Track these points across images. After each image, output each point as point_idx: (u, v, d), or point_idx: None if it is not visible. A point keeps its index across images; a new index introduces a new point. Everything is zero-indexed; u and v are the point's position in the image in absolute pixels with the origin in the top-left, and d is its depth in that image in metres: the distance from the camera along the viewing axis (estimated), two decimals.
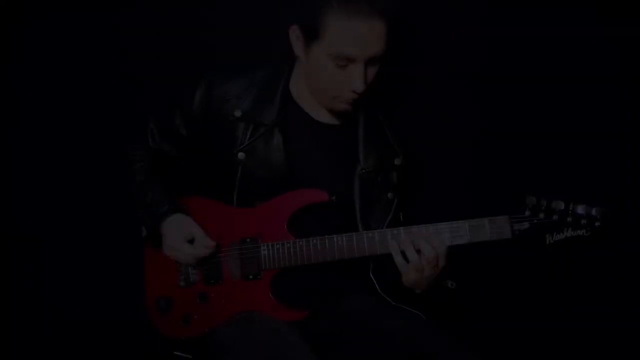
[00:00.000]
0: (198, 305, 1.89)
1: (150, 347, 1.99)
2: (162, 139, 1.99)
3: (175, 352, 1.93)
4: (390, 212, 1.95)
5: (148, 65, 2.27)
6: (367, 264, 1.91)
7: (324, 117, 1.95)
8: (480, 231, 1.76)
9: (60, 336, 2.32)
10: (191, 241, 1.88)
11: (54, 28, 2.24)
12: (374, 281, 1.91)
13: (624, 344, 2.29)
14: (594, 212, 1.73)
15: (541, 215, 1.74)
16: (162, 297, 1.92)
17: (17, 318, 2.30)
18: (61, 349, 2.31)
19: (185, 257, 1.87)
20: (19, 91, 2.27)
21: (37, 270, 2.32)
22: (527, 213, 1.75)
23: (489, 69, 2.27)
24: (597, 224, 1.73)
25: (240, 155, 1.89)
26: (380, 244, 1.81)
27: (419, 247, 1.76)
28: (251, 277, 1.87)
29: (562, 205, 1.74)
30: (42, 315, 2.32)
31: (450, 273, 1.87)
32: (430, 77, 2.29)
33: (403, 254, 1.78)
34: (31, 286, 2.32)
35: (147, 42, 2.26)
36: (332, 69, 1.76)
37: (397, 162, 1.97)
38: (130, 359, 2.25)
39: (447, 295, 1.89)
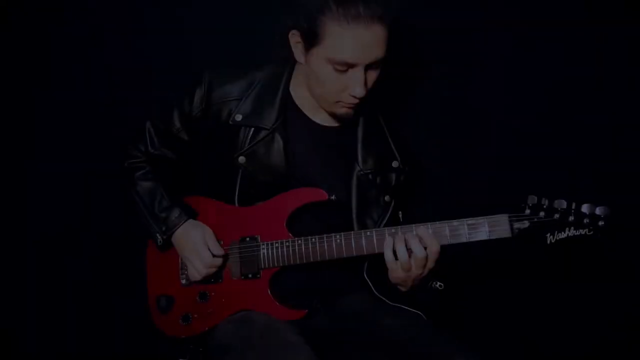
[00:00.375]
0: (198, 304, 1.90)
1: (153, 348, 2.01)
2: (162, 144, 1.99)
3: None
4: (386, 215, 1.93)
5: (147, 65, 2.28)
6: (364, 263, 1.90)
7: (324, 119, 1.94)
8: (478, 230, 1.73)
9: (61, 336, 2.35)
10: None
11: (52, 28, 2.27)
12: (369, 282, 1.90)
13: (625, 345, 2.25)
14: (597, 211, 1.68)
15: (542, 214, 1.70)
16: (163, 296, 1.94)
17: (17, 317, 2.34)
18: (62, 348, 2.34)
19: (199, 264, 1.86)
20: (17, 91, 2.30)
21: (38, 270, 2.35)
22: (527, 212, 1.71)
23: (489, 68, 2.25)
24: (600, 223, 1.68)
25: (241, 159, 1.89)
26: (378, 243, 1.79)
27: (410, 246, 1.74)
28: (250, 276, 1.87)
29: (564, 204, 1.69)
30: (43, 315, 2.35)
31: (449, 273, 1.84)
32: (430, 77, 2.28)
33: (395, 251, 1.76)
34: (32, 286, 2.34)
35: (146, 42, 2.28)
36: (332, 73, 1.74)
37: (395, 164, 1.96)
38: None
39: (435, 296, 1.87)
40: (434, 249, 1.74)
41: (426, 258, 1.74)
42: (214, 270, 1.87)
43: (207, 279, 1.89)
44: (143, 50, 2.27)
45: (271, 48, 1.92)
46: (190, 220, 1.92)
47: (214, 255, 1.86)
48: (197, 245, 1.87)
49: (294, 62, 1.90)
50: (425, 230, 1.75)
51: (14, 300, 2.33)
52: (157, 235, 1.92)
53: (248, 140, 1.89)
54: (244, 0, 2.24)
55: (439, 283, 1.87)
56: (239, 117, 1.89)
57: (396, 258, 1.75)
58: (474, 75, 2.25)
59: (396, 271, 1.77)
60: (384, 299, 1.89)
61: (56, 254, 2.35)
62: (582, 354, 2.28)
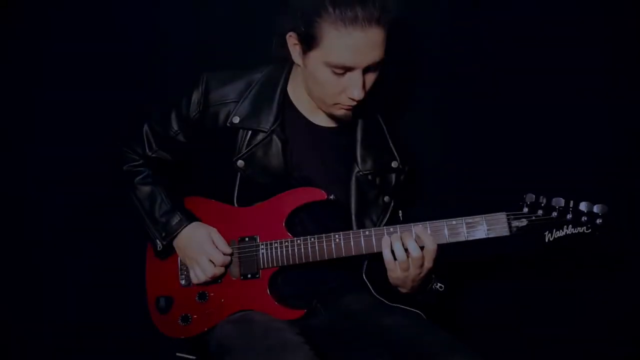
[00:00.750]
0: (197, 305, 1.90)
1: (154, 347, 2.01)
2: (159, 146, 1.99)
3: (178, 354, 1.94)
4: (386, 215, 1.92)
5: (145, 66, 2.29)
6: (363, 264, 1.90)
7: (322, 120, 1.93)
8: (477, 228, 1.72)
9: (61, 336, 2.35)
10: None
11: (53, 28, 2.26)
12: (367, 283, 1.89)
13: (625, 345, 2.24)
14: (595, 208, 1.67)
15: (540, 212, 1.69)
16: (162, 297, 1.94)
17: (17, 317, 2.33)
18: (62, 348, 2.34)
19: (207, 264, 1.85)
20: (17, 92, 2.30)
21: (38, 270, 2.34)
22: (525, 210, 1.71)
23: (488, 68, 2.25)
24: (599, 220, 1.66)
25: (240, 163, 1.88)
26: (377, 242, 1.78)
27: (407, 246, 1.73)
28: (249, 276, 1.87)
29: (562, 202, 1.68)
30: (43, 315, 2.35)
31: (445, 272, 1.84)
32: (428, 78, 2.27)
33: (393, 250, 1.75)
34: (33, 287, 2.34)
35: (144, 43, 2.28)
36: (330, 76, 1.73)
37: (394, 164, 1.95)
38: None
39: (436, 297, 1.86)
40: (430, 247, 1.73)
41: (423, 257, 1.73)
42: (223, 271, 1.87)
43: (212, 280, 1.88)
44: (143, 50, 2.28)
45: (269, 49, 1.91)
46: (193, 223, 1.91)
47: (224, 254, 1.86)
48: (204, 246, 1.86)
49: (291, 63, 1.90)
50: (422, 229, 1.75)
51: (14, 300, 2.33)
52: (157, 241, 1.92)
53: (246, 143, 1.88)
54: (243, 2, 2.24)
55: (439, 284, 1.86)
56: (236, 120, 1.88)
57: (395, 258, 1.75)
58: (473, 75, 2.25)
59: (395, 271, 1.76)
60: (383, 300, 1.89)
61: (56, 254, 2.35)
62: (582, 353, 2.27)
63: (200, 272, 1.87)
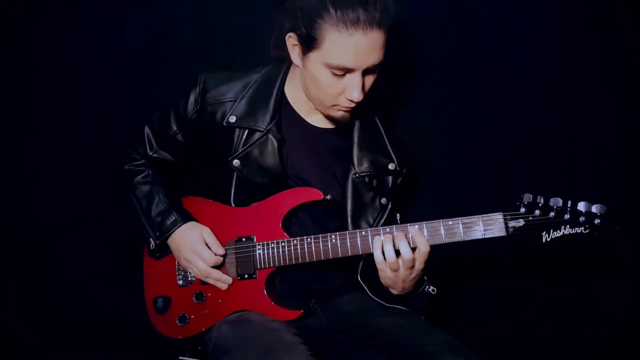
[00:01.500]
0: (195, 305, 1.91)
1: (154, 348, 2.01)
2: (160, 146, 1.99)
3: (180, 358, 1.94)
4: (383, 217, 1.91)
5: (144, 67, 2.29)
6: (358, 266, 1.89)
7: (319, 121, 1.93)
8: (473, 229, 1.71)
9: (61, 336, 2.35)
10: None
11: (53, 28, 2.26)
12: (363, 284, 1.89)
13: (625, 345, 2.23)
14: (594, 208, 1.65)
15: (537, 212, 1.67)
16: (160, 297, 1.95)
17: (17, 317, 2.34)
18: (62, 348, 2.34)
19: (201, 264, 1.86)
20: (17, 93, 2.30)
21: (38, 270, 2.35)
22: (522, 210, 1.69)
23: (486, 68, 2.24)
24: (597, 221, 1.65)
25: (235, 162, 1.88)
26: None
27: (398, 246, 1.72)
28: (246, 276, 1.87)
29: (559, 202, 1.67)
30: (43, 315, 2.35)
31: (438, 275, 1.83)
32: (426, 79, 2.27)
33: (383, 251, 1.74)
34: (33, 287, 2.34)
35: (143, 44, 2.28)
36: (329, 77, 1.73)
37: (391, 166, 1.94)
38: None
39: (429, 300, 1.85)
40: (423, 249, 1.72)
41: (413, 259, 1.72)
42: (206, 269, 1.86)
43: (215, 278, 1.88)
44: (143, 52, 2.28)
45: (268, 50, 1.90)
46: (187, 223, 1.92)
47: (215, 254, 1.86)
48: (196, 246, 1.87)
49: (289, 63, 1.89)
50: (416, 231, 1.73)
51: (14, 300, 2.33)
52: (151, 239, 1.93)
53: (242, 143, 1.88)
54: (242, 2, 2.24)
55: (431, 287, 1.85)
56: (232, 119, 1.88)
57: (385, 258, 1.74)
58: (471, 75, 2.24)
59: (385, 271, 1.75)
60: (380, 301, 1.88)
61: (56, 254, 2.35)
62: (581, 353, 2.26)
63: (198, 271, 1.87)
